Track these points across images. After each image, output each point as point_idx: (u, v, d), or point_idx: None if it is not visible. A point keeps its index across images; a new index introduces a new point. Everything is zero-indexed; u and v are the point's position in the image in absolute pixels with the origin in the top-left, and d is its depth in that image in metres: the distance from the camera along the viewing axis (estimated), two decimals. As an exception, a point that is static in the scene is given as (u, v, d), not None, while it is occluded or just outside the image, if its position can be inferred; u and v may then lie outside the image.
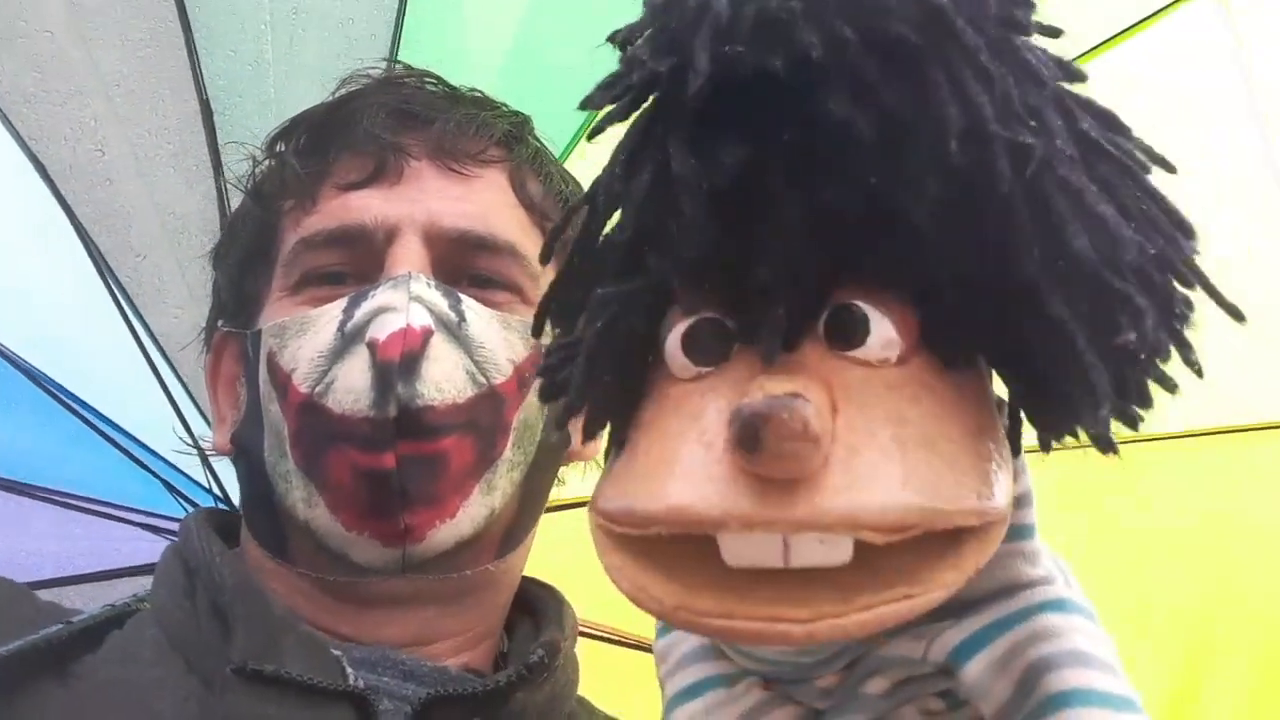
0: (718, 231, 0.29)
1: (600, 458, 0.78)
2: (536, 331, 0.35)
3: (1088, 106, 0.31)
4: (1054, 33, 0.31)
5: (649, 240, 0.31)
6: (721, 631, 0.29)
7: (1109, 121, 0.31)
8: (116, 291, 1.05)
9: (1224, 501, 1.01)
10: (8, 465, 1.05)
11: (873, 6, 0.27)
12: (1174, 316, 0.30)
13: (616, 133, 0.32)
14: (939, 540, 0.28)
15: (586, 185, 0.85)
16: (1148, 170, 0.31)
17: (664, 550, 0.29)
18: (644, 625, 1.20)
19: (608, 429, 0.33)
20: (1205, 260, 0.31)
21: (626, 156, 0.31)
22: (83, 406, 1.05)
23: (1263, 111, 0.96)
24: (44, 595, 0.71)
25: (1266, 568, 1.04)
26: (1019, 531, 0.34)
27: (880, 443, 0.28)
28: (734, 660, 0.38)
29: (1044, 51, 0.30)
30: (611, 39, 0.32)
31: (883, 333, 0.30)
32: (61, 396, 1.05)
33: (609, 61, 0.31)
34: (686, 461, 0.29)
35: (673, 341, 0.31)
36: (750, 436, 0.27)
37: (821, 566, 0.28)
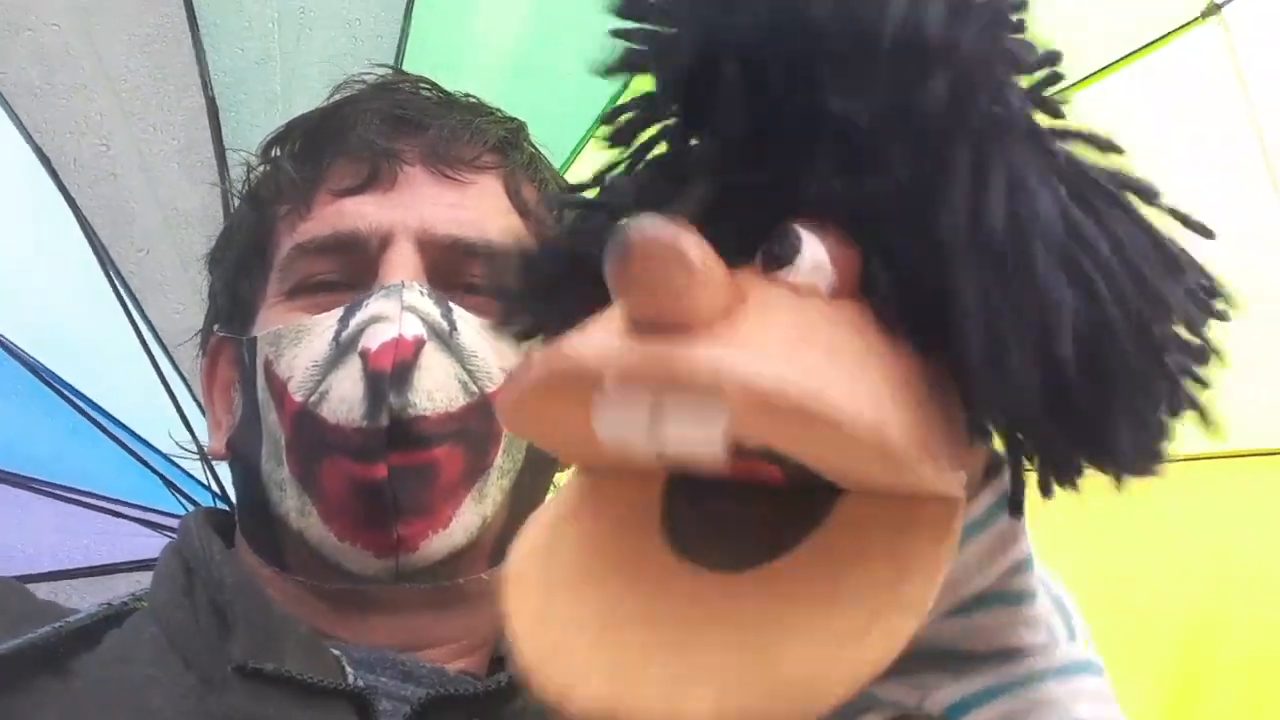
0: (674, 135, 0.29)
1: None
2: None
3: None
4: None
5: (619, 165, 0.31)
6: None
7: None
8: (119, 286, 1.05)
9: (1216, 526, 1.01)
10: (6, 458, 1.06)
11: None
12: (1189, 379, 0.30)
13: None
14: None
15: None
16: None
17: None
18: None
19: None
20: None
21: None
22: (83, 400, 1.06)
23: (1264, 136, 0.96)
24: (41, 589, 0.72)
25: (1257, 592, 1.04)
26: (1019, 597, 0.33)
27: (777, 331, 0.26)
28: None
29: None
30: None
31: (813, 253, 0.28)
32: (61, 390, 1.05)
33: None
34: (596, 327, 0.27)
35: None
36: (621, 256, 0.25)
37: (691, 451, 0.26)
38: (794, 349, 0.26)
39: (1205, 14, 0.98)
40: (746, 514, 0.29)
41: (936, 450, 0.27)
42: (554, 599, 0.29)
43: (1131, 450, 0.28)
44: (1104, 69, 0.92)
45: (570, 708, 0.27)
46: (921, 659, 0.33)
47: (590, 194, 0.33)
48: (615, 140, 0.33)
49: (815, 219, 0.29)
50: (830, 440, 0.25)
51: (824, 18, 0.27)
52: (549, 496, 0.76)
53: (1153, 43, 0.96)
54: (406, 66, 1.03)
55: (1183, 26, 0.98)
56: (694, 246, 0.25)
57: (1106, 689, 0.34)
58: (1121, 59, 0.95)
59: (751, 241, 0.29)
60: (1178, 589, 1.05)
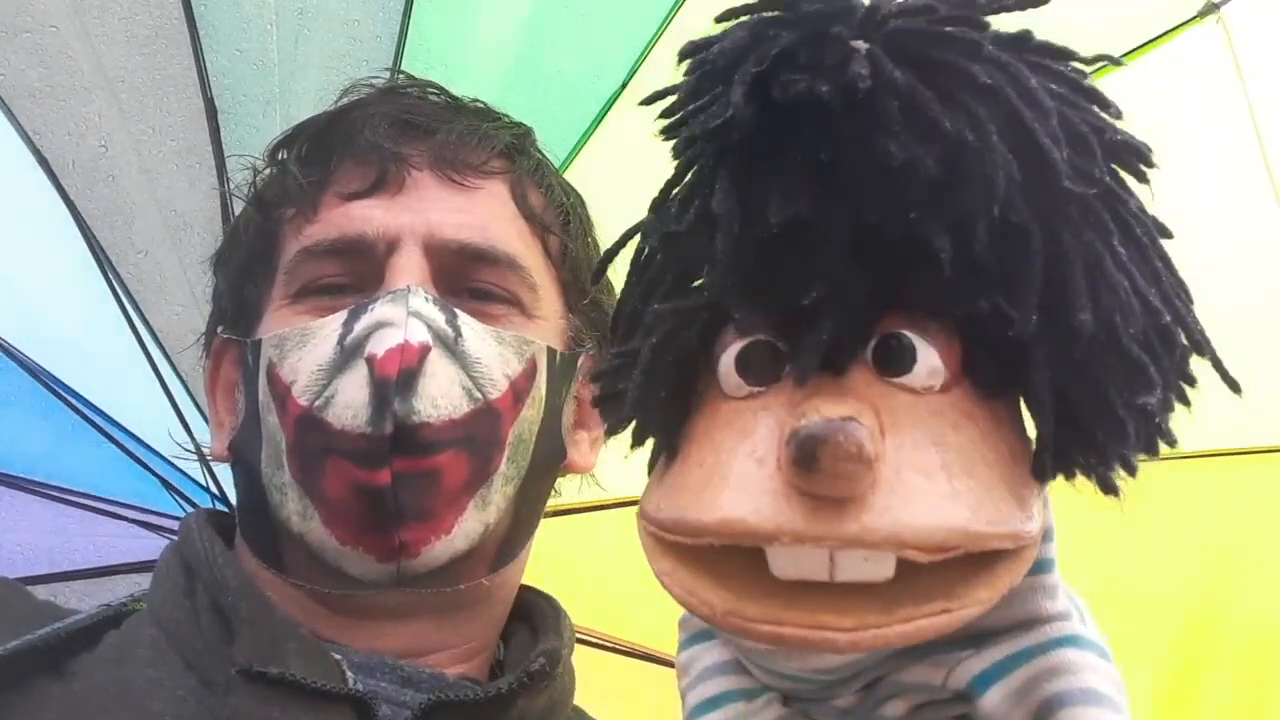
0: (770, 254, 0.31)
1: (595, 470, 0.78)
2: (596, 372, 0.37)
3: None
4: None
5: (706, 263, 0.32)
6: (769, 636, 0.30)
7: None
8: (117, 288, 1.05)
9: (1210, 523, 1.02)
10: (5, 459, 1.06)
11: (934, 43, 0.29)
12: (1186, 379, 0.32)
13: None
14: (974, 560, 0.30)
15: (587, 195, 0.85)
16: (1168, 235, 0.33)
17: (712, 559, 0.31)
18: (638, 632, 1.20)
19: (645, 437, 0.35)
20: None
21: (683, 192, 0.32)
22: (81, 402, 1.06)
23: (1262, 134, 0.97)
24: (39, 591, 0.71)
25: (1251, 589, 1.04)
26: (1039, 565, 0.34)
27: (925, 466, 0.30)
28: (755, 676, 0.39)
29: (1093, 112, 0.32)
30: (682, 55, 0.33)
31: (928, 361, 0.31)
32: (60, 392, 1.05)
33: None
34: (740, 475, 0.30)
35: (727, 361, 0.33)
36: (807, 456, 0.28)
37: (864, 581, 0.30)
38: (944, 485, 0.29)
39: (1203, 12, 0.98)
40: None
41: (1031, 499, 0.31)
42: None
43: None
44: (1102, 67, 0.92)
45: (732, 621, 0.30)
46: (943, 642, 0.34)
47: (689, 301, 0.34)
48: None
49: (914, 317, 0.32)
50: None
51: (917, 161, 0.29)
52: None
53: (1151, 41, 0.97)
54: (405, 67, 1.03)
55: (1181, 25, 0.98)
56: (869, 442, 0.29)
57: (1118, 677, 0.35)
58: (1121, 57, 0.96)
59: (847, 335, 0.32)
60: (1172, 586, 1.05)
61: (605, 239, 0.79)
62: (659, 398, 0.34)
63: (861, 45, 0.29)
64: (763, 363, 0.32)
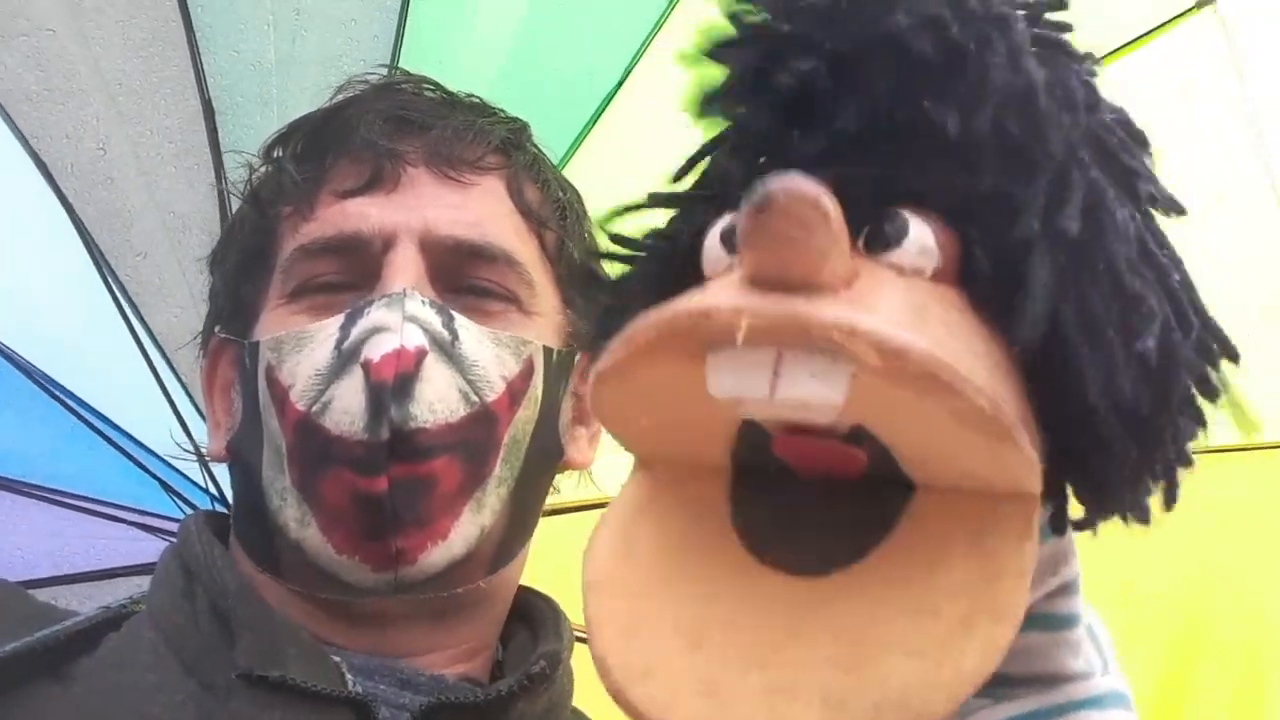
0: (779, 131, 0.30)
1: (594, 470, 0.78)
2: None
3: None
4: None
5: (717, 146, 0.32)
6: None
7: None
8: (116, 290, 1.05)
9: (1213, 519, 1.01)
10: (3, 462, 1.05)
11: None
12: (1187, 327, 0.31)
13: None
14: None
15: (584, 193, 0.85)
16: (1180, 210, 0.32)
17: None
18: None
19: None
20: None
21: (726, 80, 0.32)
22: (80, 405, 1.05)
23: (1260, 127, 0.96)
24: (39, 594, 0.72)
25: (1244, 590, 1.04)
26: (1064, 620, 0.33)
27: (895, 300, 0.27)
28: None
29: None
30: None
31: (920, 238, 0.29)
32: (59, 394, 1.05)
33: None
34: (714, 289, 0.28)
35: (712, 239, 0.31)
36: (761, 199, 0.26)
37: (810, 405, 0.26)
38: (915, 320, 0.26)
39: (1199, 4, 0.98)
40: (818, 513, 0.29)
41: (1026, 428, 0.28)
42: (639, 607, 0.29)
43: (1176, 452, 0.30)
44: (1099, 59, 0.93)
45: None
46: None
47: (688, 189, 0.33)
48: (714, 145, 0.33)
49: (916, 208, 0.30)
50: (944, 408, 0.26)
51: (925, 48, 0.29)
52: (546, 500, 0.76)
53: (1148, 33, 0.97)
54: (402, 66, 1.03)
55: (1177, 17, 0.98)
56: (835, 207, 0.26)
57: None
58: (1117, 49, 0.96)
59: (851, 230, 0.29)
60: (1169, 584, 1.05)
61: (603, 236, 0.79)
62: (653, 288, 0.32)
63: None
64: None
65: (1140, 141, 0.33)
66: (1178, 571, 1.05)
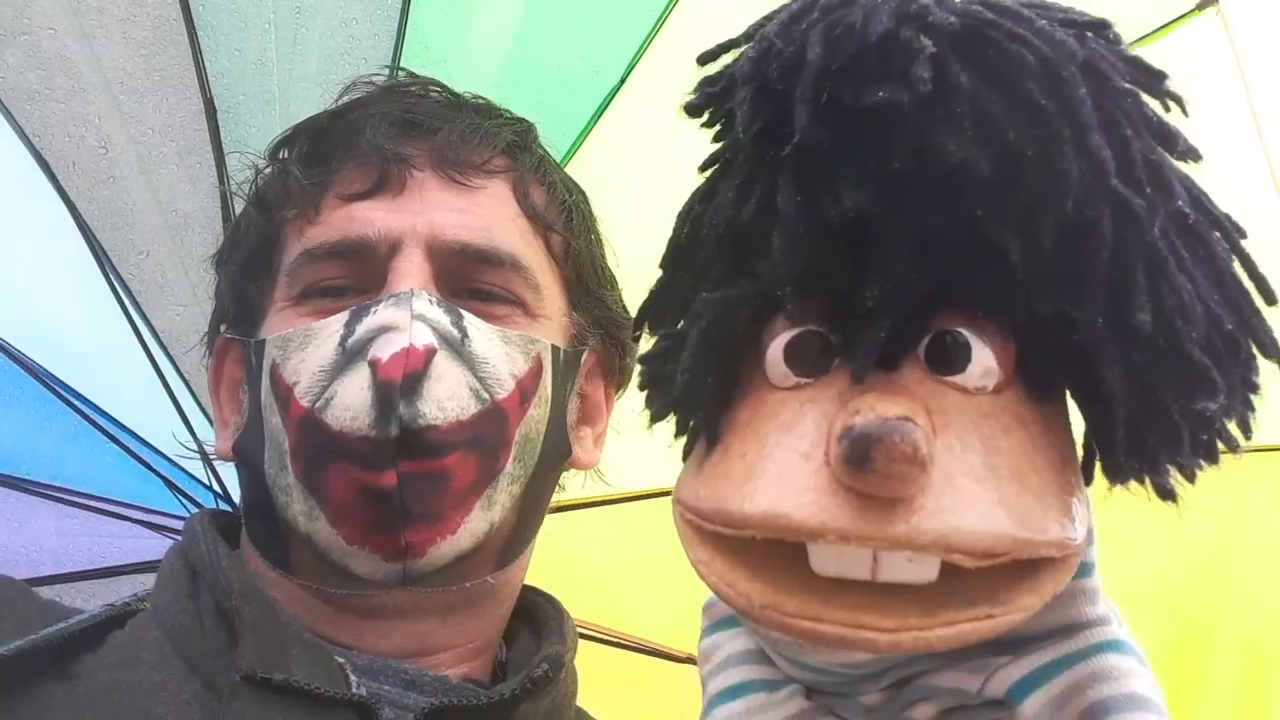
0: (829, 249, 0.30)
1: (599, 468, 0.78)
2: (635, 334, 0.38)
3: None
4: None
5: (761, 251, 0.32)
6: (808, 633, 0.30)
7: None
8: (119, 288, 1.05)
9: (1216, 520, 1.01)
10: (8, 461, 1.06)
11: (994, 42, 0.29)
12: (1248, 385, 0.32)
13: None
14: (1019, 565, 0.29)
15: (589, 190, 0.85)
16: (1243, 234, 0.33)
17: (750, 551, 0.31)
18: (640, 628, 1.20)
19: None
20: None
21: (741, 180, 0.32)
22: (84, 403, 1.06)
23: (1264, 129, 0.96)
24: (43, 592, 0.71)
25: (1251, 585, 1.04)
26: (1081, 569, 0.34)
27: (975, 470, 0.29)
28: (779, 667, 0.39)
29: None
30: (701, 60, 0.33)
31: (983, 361, 0.31)
32: (62, 393, 1.05)
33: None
34: (784, 469, 0.30)
35: (775, 350, 0.32)
36: (861, 455, 0.28)
37: (906, 582, 0.29)
38: (994, 490, 0.29)
39: (1202, 6, 0.98)
40: None
41: (1077, 506, 0.31)
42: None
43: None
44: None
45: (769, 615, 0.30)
46: (980, 648, 0.33)
47: (740, 289, 0.33)
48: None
49: (971, 316, 0.31)
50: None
51: (981, 169, 0.29)
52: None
53: (1150, 34, 0.96)
54: (404, 64, 1.03)
55: (1180, 18, 0.98)
56: (924, 444, 0.28)
57: (1158, 683, 0.34)
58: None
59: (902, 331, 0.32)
60: (1172, 583, 1.05)
61: (606, 234, 0.79)
62: (705, 384, 0.33)
63: (928, 45, 0.28)
64: (812, 354, 0.32)
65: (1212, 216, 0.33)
66: (1183, 573, 1.05)
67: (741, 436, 0.32)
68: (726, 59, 0.33)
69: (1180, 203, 0.31)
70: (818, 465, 0.29)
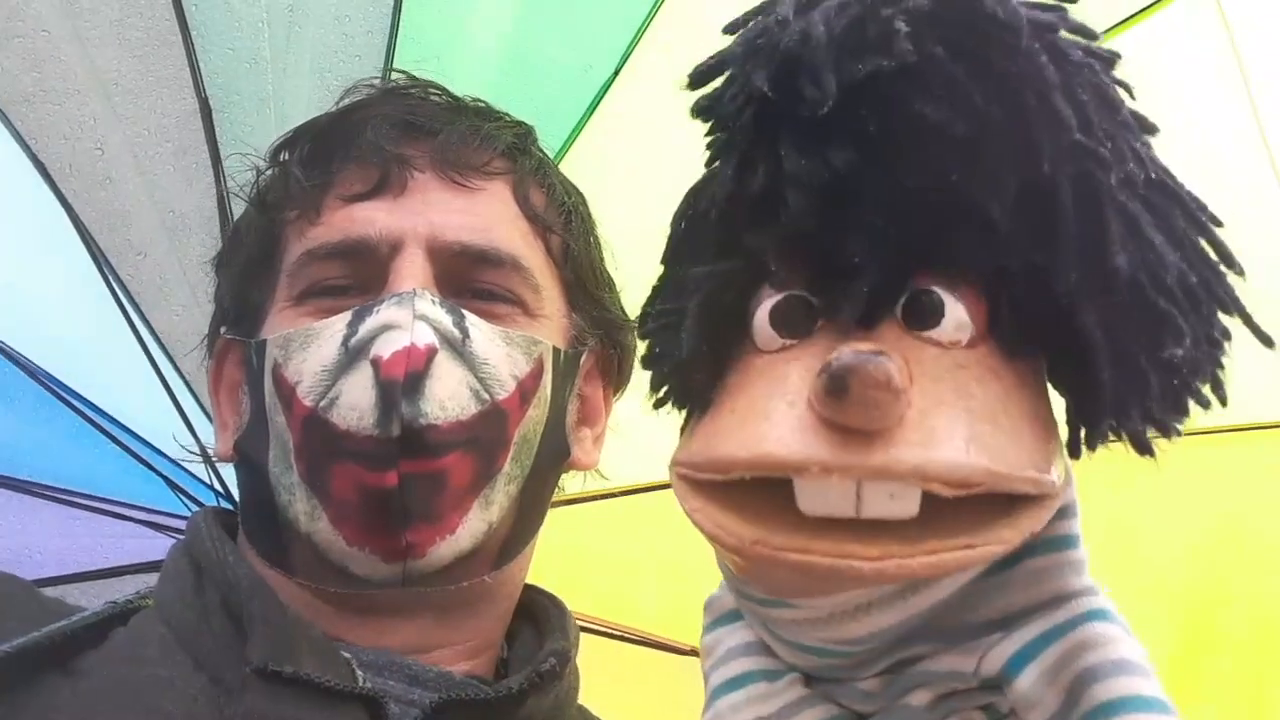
0: (811, 216, 0.32)
1: (600, 467, 0.79)
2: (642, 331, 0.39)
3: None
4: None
5: (750, 224, 0.34)
6: (796, 564, 0.31)
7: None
8: (117, 289, 1.05)
9: (1218, 498, 1.02)
10: (9, 462, 1.06)
11: (962, 20, 0.31)
12: (1213, 341, 0.33)
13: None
14: (998, 502, 0.31)
15: (582, 183, 0.85)
16: (1202, 207, 0.34)
17: (741, 496, 0.32)
18: (642, 621, 1.20)
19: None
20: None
21: (739, 158, 0.34)
22: (84, 404, 1.06)
23: (1257, 105, 0.96)
24: (48, 593, 0.71)
25: (1258, 564, 1.04)
26: (1065, 541, 0.35)
27: (950, 410, 0.31)
28: (779, 654, 0.39)
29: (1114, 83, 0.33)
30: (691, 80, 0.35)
31: (955, 316, 0.33)
32: (63, 394, 1.05)
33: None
34: (772, 415, 0.32)
35: (761, 315, 0.34)
36: (838, 384, 0.30)
37: (889, 518, 0.31)
38: (968, 427, 0.31)
39: (1194, -14, 0.97)
40: None
41: (1052, 456, 0.32)
42: None
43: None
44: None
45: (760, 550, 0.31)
46: (972, 628, 0.35)
47: (730, 263, 0.35)
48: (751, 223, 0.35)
49: (945, 275, 0.33)
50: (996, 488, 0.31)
51: (957, 129, 0.31)
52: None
53: (1143, 10, 0.96)
54: (397, 62, 1.03)
55: (1169, -6, 0.98)
56: (898, 374, 0.30)
57: (1144, 650, 0.35)
58: (1113, 27, 0.95)
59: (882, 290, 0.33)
60: (1180, 561, 1.05)
61: (601, 226, 0.79)
62: (702, 353, 0.35)
63: (902, 25, 0.31)
64: (796, 317, 0.34)
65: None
66: (1187, 555, 1.05)
67: (732, 396, 0.34)
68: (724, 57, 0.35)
69: (1132, 165, 0.33)
70: (802, 411, 0.31)
